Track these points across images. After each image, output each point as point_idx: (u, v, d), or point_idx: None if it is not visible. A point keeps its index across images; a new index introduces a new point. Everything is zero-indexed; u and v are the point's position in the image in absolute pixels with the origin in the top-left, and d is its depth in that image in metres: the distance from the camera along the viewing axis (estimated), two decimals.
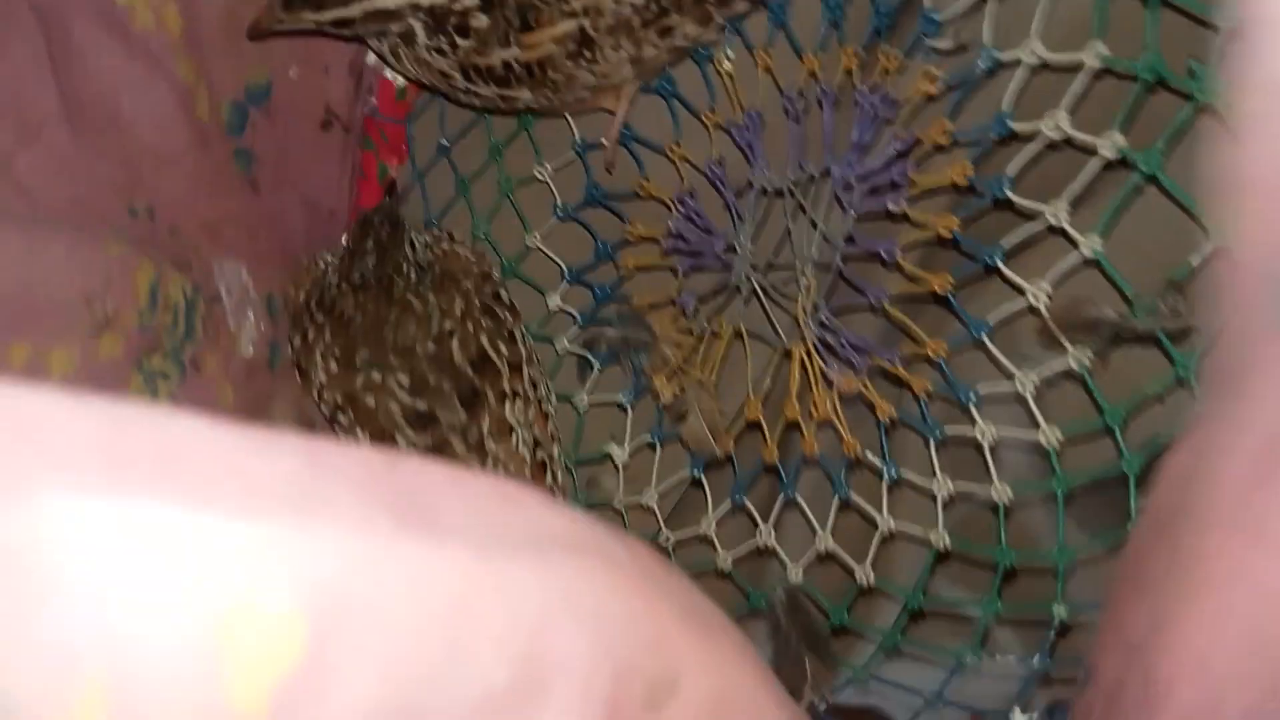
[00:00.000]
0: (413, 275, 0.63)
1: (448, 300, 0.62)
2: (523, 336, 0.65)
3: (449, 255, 0.65)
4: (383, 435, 0.60)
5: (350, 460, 0.25)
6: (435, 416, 0.60)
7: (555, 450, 0.63)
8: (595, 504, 0.67)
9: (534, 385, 0.63)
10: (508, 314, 0.64)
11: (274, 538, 0.22)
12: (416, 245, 0.65)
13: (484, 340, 0.61)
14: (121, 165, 0.59)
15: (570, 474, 0.68)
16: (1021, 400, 0.51)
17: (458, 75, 0.61)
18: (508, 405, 0.61)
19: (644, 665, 0.28)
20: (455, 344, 0.61)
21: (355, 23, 0.59)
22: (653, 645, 0.29)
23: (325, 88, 0.69)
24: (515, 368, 0.62)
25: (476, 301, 0.63)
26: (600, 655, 0.27)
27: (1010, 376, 0.51)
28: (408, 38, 0.60)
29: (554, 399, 0.65)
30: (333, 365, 0.61)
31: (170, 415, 0.23)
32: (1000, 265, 0.52)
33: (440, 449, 0.59)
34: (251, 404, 0.67)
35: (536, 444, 0.61)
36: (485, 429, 0.60)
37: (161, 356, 0.61)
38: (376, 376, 0.60)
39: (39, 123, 0.55)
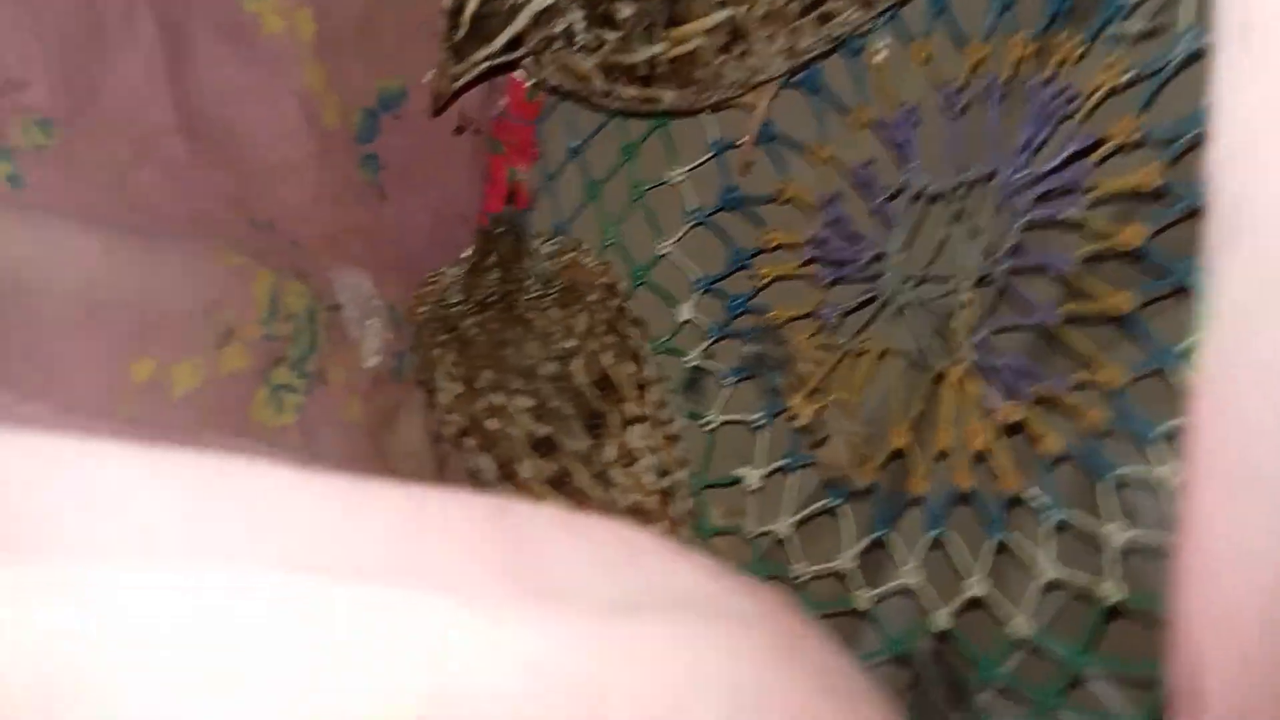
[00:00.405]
0: (535, 289, 0.61)
1: (570, 316, 0.59)
2: (649, 354, 0.61)
3: (573, 266, 0.62)
4: (507, 462, 0.57)
5: (455, 514, 0.22)
6: (558, 442, 0.57)
7: (682, 475, 0.59)
8: (723, 532, 0.63)
9: (660, 406, 0.59)
10: (633, 330, 0.61)
11: (381, 613, 0.19)
12: (540, 257, 0.62)
13: (609, 359, 0.58)
14: (239, 177, 0.59)
15: (698, 499, 0.64)
16: None
17: (599, 78, 0.57)
18: (632, 430, 0.57)
19: None
20: (578, 364, 0.58)
21: (525, 35, 0.55)
22: None
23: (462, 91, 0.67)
24: (641, 388, 0.59)
25: (601, 316, 0.60)
26: None
27: None
28: (568, 35, 0.56)
29: (681, 420, 0.62)
30: (457, 387, 0.59)
31: (257, 474, 0.21)
32: (1194, 283, 0.45)
33: (563, 477, 0.57)
34: (379, 417, 0.66)
35: (662, 470, 0.58)
36: (609, 456, 0.57)
37: (286, 369, 0.60)
38: (499, 400, 0.57)
39: (155, 136, 0.54)
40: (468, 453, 0.59)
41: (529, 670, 0.20)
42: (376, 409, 0.65)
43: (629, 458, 0.57)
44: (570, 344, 0.58)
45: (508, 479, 0.58)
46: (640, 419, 0.58)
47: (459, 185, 0.70)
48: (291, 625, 0.18)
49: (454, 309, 0.61)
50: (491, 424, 0.58)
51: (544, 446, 0.57)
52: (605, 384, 0.58)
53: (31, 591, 0.18)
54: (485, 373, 0.58)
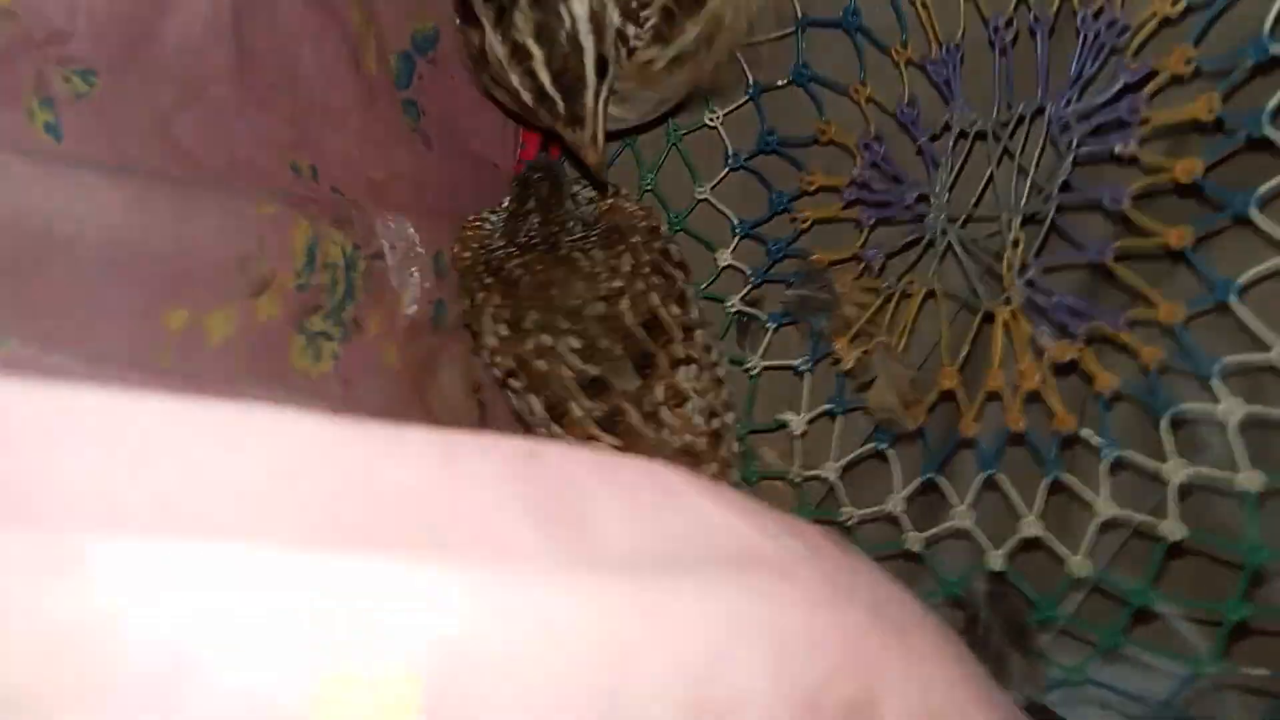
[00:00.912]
0: (578, 230, 0.60)
1: (615, 257, 0.59)
2: (694, 296, 0.61)
3: (614, 209, 0.62)
4: (557, 401, 0.57)
5: (488, 459, 0.22)
6: (608, 383, 0.57)
7: (730, 418, 0.59)
8: (770, 476, 0.63)
9: (707, 349, 0.59)
10: (678, 271, 0.60)
11: (391, 580, 0.19)
12: (580, 200, 0.61)
13: (655, 300, 0.58)
14: (288, 122, 0.58)
15: (744, 443, 0.64)
16: (1268, 376, 0.44)
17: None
18: (681, 371, 0.57)
19: (836, 688, 0.24)
20: (625, 304, 0.57)
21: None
22: (844, 664, 0.25)
23: None
24: (688, 330, 0.58)
25: (646, 258, 0.59)
26: (783, 686, 0.23)
27: (1267, 347, 0.44)
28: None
29: (726, 363, 0.61)
30: (502, 329, 0.59)
31: (284, 424, 0.21)
32: (1254, 214, 0.44)
33: (614, 417, 0.56)
34: (418, 364, 0.66)
35: (711, 413, 0.58)
36: (660, 396, 0.57)
37: (322, 317, 0.60)
38: (547, 340, 0.57)
39: (205, 81, 0.54)
40: (516, 394, 0.60)
41: (547, 630, 0.20)
42: (414, 357, 0.65)
43: (678, 398, 0.57)
44: (617, 284, 0.58)
45: (558, 419, 0.58)
46: (688, 360, 0.58)
47: (493, 133, 0.69)
48: (290, 603, 0.19)
49: (497, 252, 0.61)
50: (540, 364, 0.58)
51: (594, 387, 0.57)
52: (653, 324, 0.58)
53: (41, 567, 0.18)
54: (531, 314, 0.58)
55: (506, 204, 0.62)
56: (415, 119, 0.64)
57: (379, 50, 0.60)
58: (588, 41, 0.51)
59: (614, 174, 0.69)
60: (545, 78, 0.51)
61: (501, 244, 0.61)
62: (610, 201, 0.62)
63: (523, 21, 0.51)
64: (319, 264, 0.59)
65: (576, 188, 0.63)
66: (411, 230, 0.61)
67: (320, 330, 0.60)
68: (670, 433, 0.56)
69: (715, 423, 0.58)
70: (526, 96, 0.52)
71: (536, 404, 0.58)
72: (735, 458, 0.60)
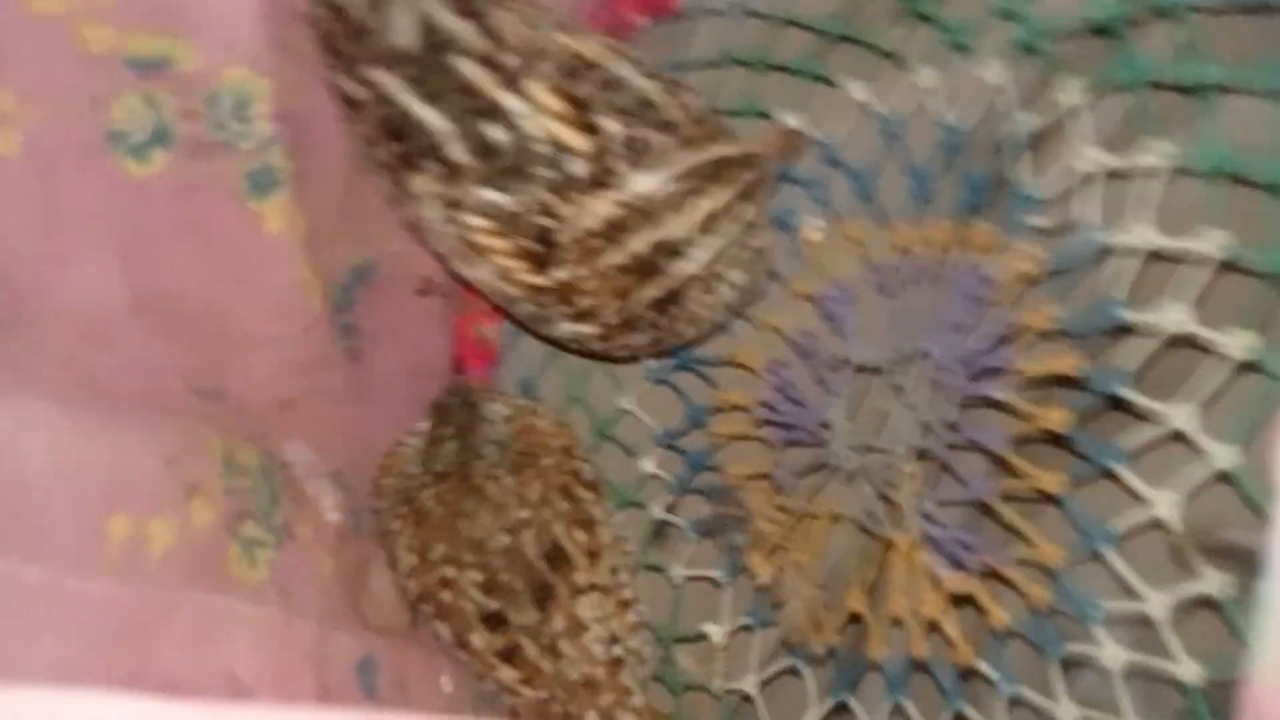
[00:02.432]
0: (492, 455, 0.62)
1: (524, 484, 0.61)
2: (606, 517, 0.63)
3: (529, 430, 0.64)
4: (461, 631, 0.59)
5: None
6: (507, 617, 0.58)
7: (636, 642, 0.61)
8: (694, 687, 0.64)
9: (614, 572, 0.61)
10: (588, 493, 0.62)
11: None
12: (496, 421, 0.63)
13: (559, 529, 0.60)
14: (190, 350, 0.60)
15: (668, 652, 0.65)
16: (1151, 624, 0.45)
17: None
18: (582, 600, 0.59)
19: None
20: (529, 535, 0.59)
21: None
22: None
23: (425, 256, 0.69)
24: (593, 556, 0.60)
25: (556, 482, 0.61)
26: None
27: (1139, 597, 0.46)
28: None
29: (631, 589, 0.62)
30: (413, 559, 0.61)
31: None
32: (1120, 469, 0.46)
33: (512, 651, 0.58)
34: (350, 572, 0.67)
35: (613, 639, 0.59)
36: (558, 627, 0.58)
37: (254, 523, 0.61)
38: (451, 573, 0.59)
39: (105, 321, 0.57)
40: (427, 618, 0.61)
41: None
42: (346, 563, 0.67)
43: (578, 629, 0.59)
44: (523, 514, 0.60)
45: (463, 648, 0.60)
46: (590, 588, 0.59)
47: (428, 344, 0.72)
48: None
49: (413, 481, 0.63)
50: (445, 596, 0.60)
51: (493, 620, 0.59)
52: (556, 553, 0.59)
53: None
54: (439, 546, 0.60)
55: (423, 429, 0.64)
56: (349, 339, 0.66)
57: (323, 288, 0.63)
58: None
59: (544, 382, 0.71)
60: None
61: (418, 472, 0.63)
62: (525, 421, 0.64)
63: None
64: (237, 469, 0.61)
65: (494, 407, 0.64)
66: (308, 454, 0.63)
67: (254, 537, 0.61)
68: (569, 664, 0.58)
69: (617, 649, 0.59)
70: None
71: (444, 631, 0.60)
72: (640, 683, 0.61)
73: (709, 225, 0.53)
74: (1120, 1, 0.47)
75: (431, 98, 0.54)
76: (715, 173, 0.53)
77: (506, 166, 0.53)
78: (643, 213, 0.53)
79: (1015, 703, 0.50)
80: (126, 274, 0.58)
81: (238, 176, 0.55)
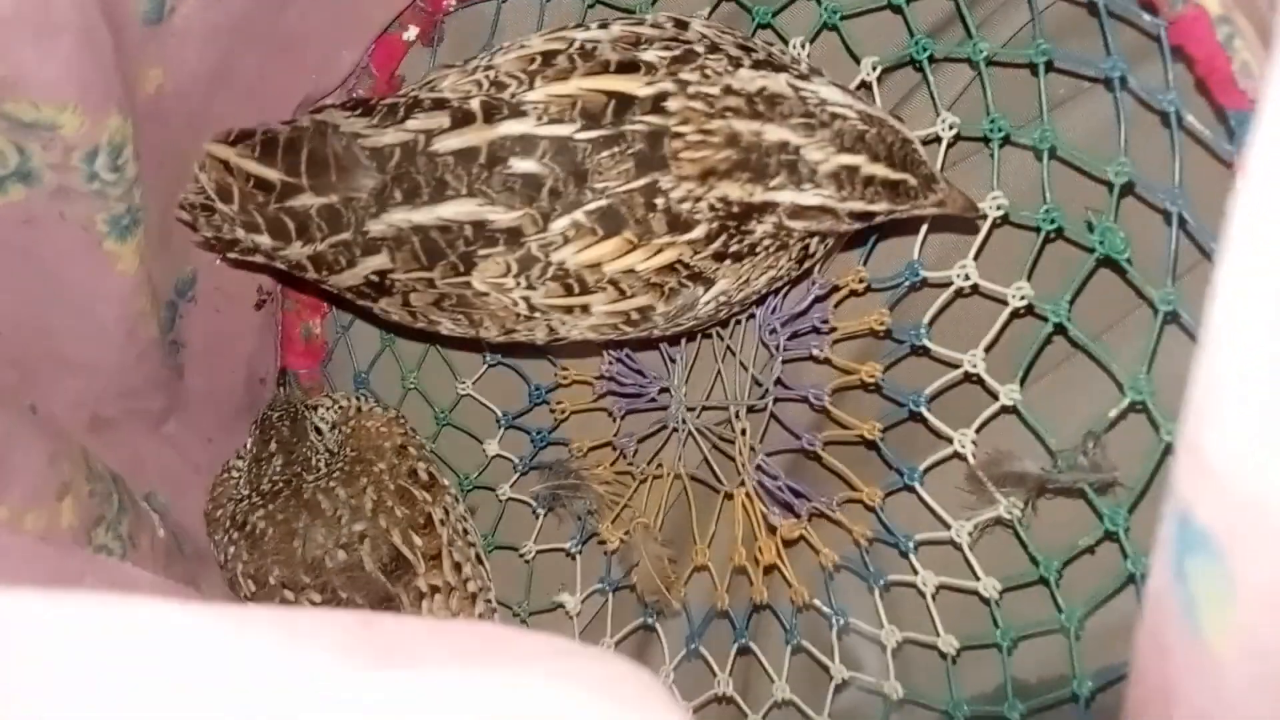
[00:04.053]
0: (322, 465, 0.61)
1: (358, 493, 0.60)
2: (448, 513, 0.63)
3: (358, 431, 0.63)
4: None
5: (326, 625, 0.25)
6: None
7: None
8: None
9: (458, 568, 0.61)
10: (425, 493, 0.62)
11: None
12: (324, 429, 0.63)
13: (396, 537, 0.59)
14: (13, 368, 0.58)
15: (525, 625, 0.67)
16: (958, 547, 0.51)
17: None
18: (425, 604, 0.59)
19: None
20: (366, 548, 0.58)
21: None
22: None
23: (254, 266, 0.68)
24: (433, 558, 0.60)
25: (391, 486, 0.61)
26: None
27: (945, 525, 0.51)
28: None
29: (486, 571, 0.64)
30: (251, 585, 0.59)
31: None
32: (924, 412, 0.51)
33: None
34: (184, 584, 0.66)
35: None
36: None
37: (104, 529, 0.60)
38: (290, 597, 0.58)
39: None
40: None
41: None
42: (178, 578, 0.66)
43: None
44: (358, 527, 0.59)
45: None
46: (434, 590, 0.59)
47: (257, 351, 0.71)
48: None
49: (242, 504, 0.61)
50: None
51: None
52: (396, 562, 0.59)
53: None
54: (275, 569, 0.58)
55: (249, 448, 0.63)
56: (174, 355, 0.65)
57: (156, 314, 0.61)
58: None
59: (377, 374, 0.71)
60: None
61: (246, 493, 0.61)
62: (354, 424, 0.64)
63: None
64: (96, 475, 0.59)
65: (321, 413, 0.64)
66: (122, 474, 0.62)
67: (103, 544, 0.59)
68: None
69: None
70: None
71: None
72: None
73: None
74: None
75: (436, 197, 0.49)
76: None
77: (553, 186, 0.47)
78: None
79: (846, 630, 0.55)
80: None
81: (100, 221, 0.53)
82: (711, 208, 0.47)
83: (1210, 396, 0.22)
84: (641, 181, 0.46)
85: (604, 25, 0.50)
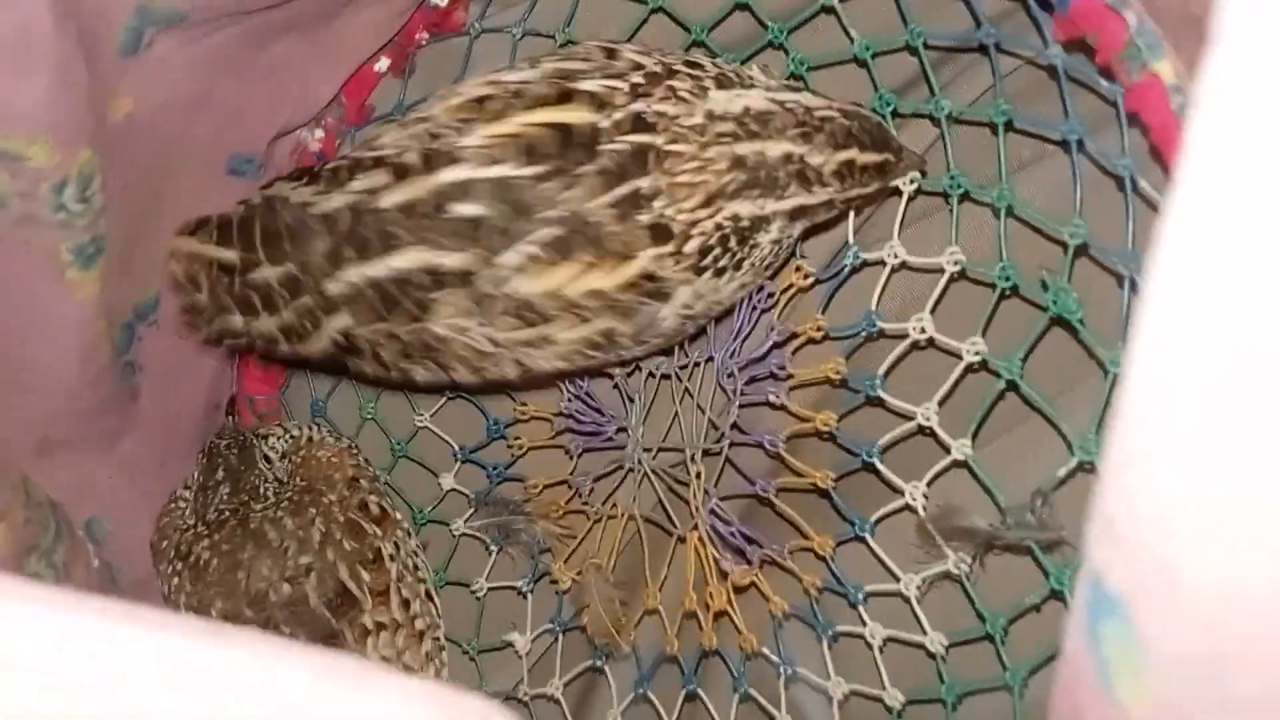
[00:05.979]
0: (270, 494, 0.60)
1: (306, 524, 0.58)
2: (397, 549, 0.61)
3: (309, 461, 0.62)
4: None
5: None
6: None
7: (431, 672, 0.60)
8: (498, 695, 0.65)
9: (405, 605, 0.59)
10: (375, 527, 0.61)
11: None
12: (273, 458, 0.62)
13: (343, 572, 0.58)
14: None
15: (476, 664, 0.66)
16: (906, 600, 0.51)
17: None
18: (370, 641, 0.57)
19: None
20: (312, 582, 0.57)
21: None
22: None
23: None
24: (381, 594, 0.58)
25: (340, 518, 0.59)
26: None
27: (894, 577, 0.51)
28: None
29: (436, 609, 0.63)
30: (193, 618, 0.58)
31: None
32: (876, 463, 0.51)
33: None
34: None
35: (407, 672, 0.59)
36: None
37: (37, 557, 0.59)
38: None
39: None
40: None
41: None
42: None
43: None
44: (304, 560, 0.57)
45: None
46: (380, 627, 0.58)
47: (215, 375, 0.70)
48: None
49: (187, 533, 0.60)
50: None
51: None
52: (342, 597, 0.57)
53: None
54: (218, 602, 0.57)
55: (196, 476, 0.62)
56: (129, 377, 0.64)
57: (110, 335, 0.60)
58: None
59: (335, 404, 0.70)
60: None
61: (191, 523, 0.60)
62: (304, 454, 0.63)
63: None
64: (33, 502, 0.58)
65: (271, 442, 0.63)
66: (61, 501, 0.61)
67: (35, 572, 0.58)
68: None
69: None
70: None
71: None
72: None
73: None
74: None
75: (386, 249, 0.49)
76: None
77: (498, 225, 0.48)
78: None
79: (793, 680, 0.55)
80: None
81: (64, 250, 0.53)
82: (719, 226, 0.48)
83: (1121, 464, 0.23)
84: (609, 196, 0.47)
85: (534, 64, 0.50)
